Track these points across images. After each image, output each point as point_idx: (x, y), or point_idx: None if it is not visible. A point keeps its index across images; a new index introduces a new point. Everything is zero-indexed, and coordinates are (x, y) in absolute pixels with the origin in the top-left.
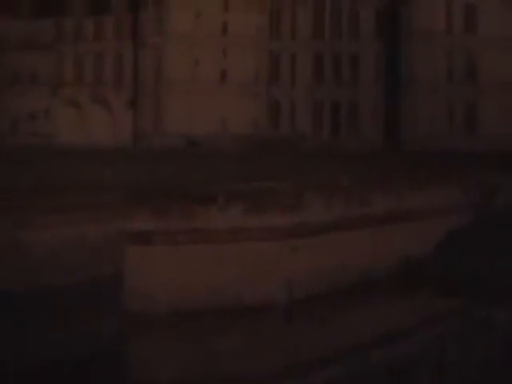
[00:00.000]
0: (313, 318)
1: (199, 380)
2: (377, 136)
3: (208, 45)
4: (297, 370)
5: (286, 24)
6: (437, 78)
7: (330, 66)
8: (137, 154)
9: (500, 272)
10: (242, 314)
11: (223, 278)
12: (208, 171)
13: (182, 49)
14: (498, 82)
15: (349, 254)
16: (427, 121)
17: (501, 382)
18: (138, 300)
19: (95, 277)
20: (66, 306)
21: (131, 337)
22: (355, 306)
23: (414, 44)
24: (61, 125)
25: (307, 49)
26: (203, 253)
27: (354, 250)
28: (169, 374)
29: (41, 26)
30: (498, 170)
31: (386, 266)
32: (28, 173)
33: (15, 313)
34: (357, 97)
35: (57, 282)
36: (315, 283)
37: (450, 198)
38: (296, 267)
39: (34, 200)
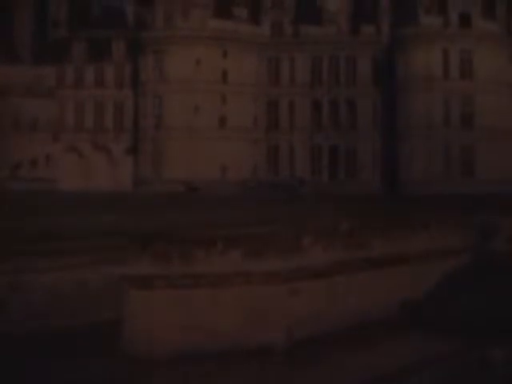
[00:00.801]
0: (313, 360)
1: None
2: (374, 180)
3: (207, 92)
4: None
5: (285, 70)
6: (434, 122)
7: (327, 111)
8: (137, 199)
9: (498, 312)
10: (243, 357)
11: (223, 321)
12: (208, 216)
13: (182, 96)
14: (494, 126)
15: (348, 297)
16: (424, 165)
17: None
18: (139, 344)
19: (96, 321)
20: (67, 350)
21: (131, 381)
22: (356, 348)
23: (410, 89)
24: (62, 171)
25: (305, 95)
26: (203, 297)
27: (354, 293)
28: None
29: (42, 72)
30: (495, 212)
31: (385, 307)
32: (29, 218)
33: (15, 356)
34: (354, 142)
35: (57, 326)
36: (315, 326)
37: (448, 241)
38: (296, 311)
39: (35, 244)
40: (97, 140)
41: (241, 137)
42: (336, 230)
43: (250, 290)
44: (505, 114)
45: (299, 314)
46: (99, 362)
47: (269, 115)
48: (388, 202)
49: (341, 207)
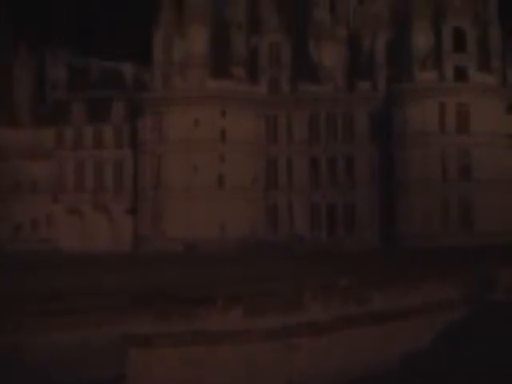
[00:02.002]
0: None
1: None
2: (373, 235)
3: (206, 151)
4: None
5: (282, 128)
6: (431, 176)
7: (325, 168)
8: (137, 258)
9: (499, 363)
10: None
11: (224, 379)
12: (208, 274)
13: (181, 155)
14: (492, 178)
15: (349, 352)
16: (423, 218)
17: None
18: None
19: (97, 379)
20: None
21: None
22: None
23: (407, 144)
24: (62, 231)
25: (303, 152)
26: (204, 354)
27: (354, 348)
28: None
29: (41, 134)
30: (494, 264)
31: (386, 362)
32: (30, 278)
33: None
34: (352, 198)
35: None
36: (316, 382)
37: (448, 293)
38: (296, 367)
39: (36, 304)
40: (96, 200)
41: (239, 195)
42: (336, 286)
43: (251, 347)
44: (502, 165)
45: (300, 369)
46: None
47: (267, 173)
48: (387, 257)
49: (340, 263)
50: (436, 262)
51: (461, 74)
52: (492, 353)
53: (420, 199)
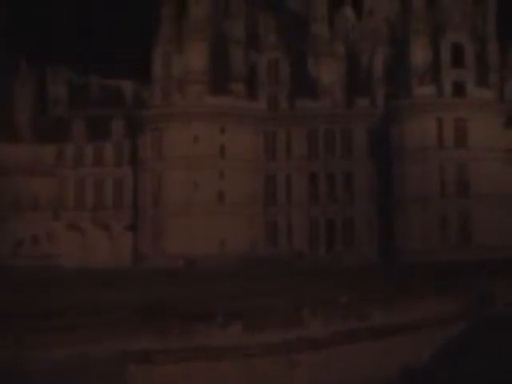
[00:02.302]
0: None
1: None
2: (372, 250)
3: (206, 167)
4: None
5: (281, 144)
6: (429, 191)
7: (324, 184)
8: (137, 275)
9: (497, 380)
10: None
11: None
12: (207, 290)
13: (181, 172)
14: (490, 193)
15: (349, 367)
16: (422, 233)
17: None
18: None
19: None
20: None
21: None
22: None
23: (406, 160)
24: (63, 248)
25: (302, 168)
26: (204, 370)
27: (354, 363)
28: None
29: (42, 151)
30: (493, 278)
31: (385, 377)
32: (31, 294)
33: None
34: (351, 213)
35: None
36: None
37: (447, 308)
38: (296, 382)
39: (37, 320)
40: (97, 217)
41: (239, 211)
42: (336, 303)
43: (251, 363)
44: (500, 180)
45: None
46: None
47: (266, 189)
48: (386, 272)
49: (339, 279)
50: (435, 277)
51: (459, 89)
52: (490, 368)
53: (418, 214)
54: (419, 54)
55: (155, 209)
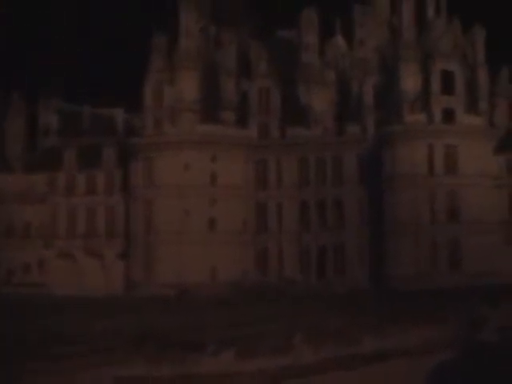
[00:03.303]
0: None
1: None
2: (363, 277)
3: (197, 195)
4: None
5: (272, 172)
6: (420, 218)
7: (315, 211)
8: (129, 303)
9: None
10: None
11: None
12: (199, 318)
13: (172, 200)
14: (480, 219)
15: None
16: (412, 260)
17: None
18: None
19: None
20: None
21: None
22: None
23: (396, 186)
24: (54, 275)
25: (293, 196)
26: None
27: None
28: None
29: (34, 180)
30: (483, 304)
31: None
32: (22, 323)
33: None
34: (342, 240)
35: None
36: None
37: (437, 334)
38: None
39: (28, 348)
40: (89, 245)
41: (230, 239)
42: (327, 328)
43: None
44: (490, 206)
45: None
46: None
47: (257, 217)
48: (377, 299)
49: (331, 305)
50: (425, 303)
51: (449, 116)
52: None
53: (409, 240)
54: (409, 81)
55: (147, 236)
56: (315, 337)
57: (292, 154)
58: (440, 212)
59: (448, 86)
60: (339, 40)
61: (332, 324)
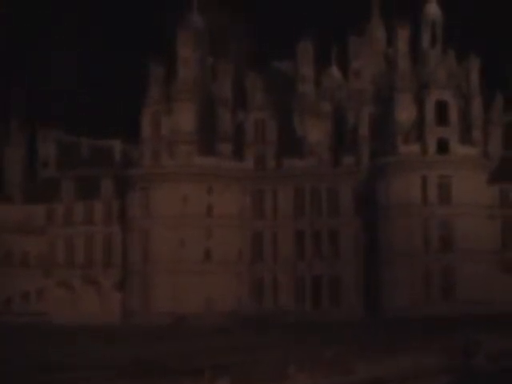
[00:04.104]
0: None
1: None
2: (358, 306)
3: (193, 226)
4: None
5: (268, 203)
6: (414, 247)
7: (310, 241)
8: (126, 331)
9: None
10: None
11: None
12: (195, 346)
13: (168, 230)
14: (473, 248)
15: None
16: (406, 289)
17: None
18: None
19: None
20: None
21: None
22: None
23: (391, 216)
24: (53, 304)
25: (288, 226)
26: None
27: None
28: None
29: (33, 211)
30: (477, 331)
31: None
32: (21, 351)
33: None
34: (337, 270)
35: None
36: None
37: (431, 361)
38: None
39: (25, 376)
40: (86, 275)
41: (226, 269)
42: (321, 357)
43: None
44: (483, 235)
45: None
46: None
47: (253, 247)
48: (372, 327)
49: (326, 334)
50: (419, 331)
51: (443, 146)
52: None
53: (403, 270)
54: (404, 112)
55: (143, 266)
56: (310, 365)
57: (288, 184)
58: (434, 241)
59: (442, 115)
60: (335, 71)
61: (327, 353)
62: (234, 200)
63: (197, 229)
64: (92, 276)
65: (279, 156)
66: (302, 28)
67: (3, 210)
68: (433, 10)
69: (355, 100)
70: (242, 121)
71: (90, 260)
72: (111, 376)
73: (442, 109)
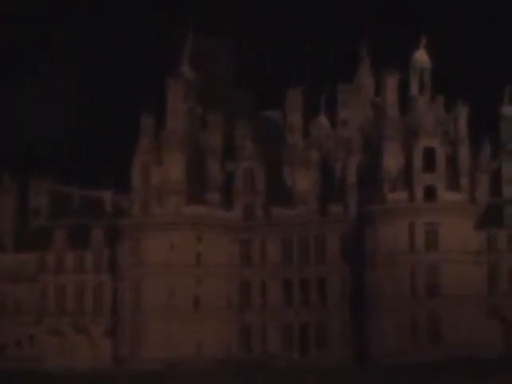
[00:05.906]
0: None
1: None
2: (345, 353)
3: (182, 274)
4: None
5: (256, 251)
6: (401, 294)
7: (298, 289)
8: (117, 378)
9: None
10: None
11: None
12: None
13: (158, 279)
14: (460, 294)
15: None
16: (394, 335)
17: None
18: None
19: None
20: None
21: None
22: None
23: (378, 264)
24: (45, 351)
25: (276, 275)
26: None
27: None
28: None
29: (24, 259)
30: (463, 377)
31: None
32: None
33: None
34: (324, 317)
35: None
36: None
37: None
38: None
39: None
40: (77, 322)
41: (215, 316)
42: None
43: None
44: (470, 281)
45: None
46: None
47: (241, 295)
48: (359, 374)
49: (313, 380)
50: (406, 378)
51: (430, 193)
52: None
53: (390, 316)
54: (392, 160)
55: (133, 314)
56: None
57: (276, 233)
58: (421, 287)
59: (430, 162)
60: (323, 120)
61: None
62: (222, 248)
63: (186, 277)
64: (82, 323)
65: (268, 205)
66: (291, 76)
67: None
68: (421, 57)
69: (343, 149)
70: (231, 170)
71: (80, 308)
72: None
73: (429, 156)
